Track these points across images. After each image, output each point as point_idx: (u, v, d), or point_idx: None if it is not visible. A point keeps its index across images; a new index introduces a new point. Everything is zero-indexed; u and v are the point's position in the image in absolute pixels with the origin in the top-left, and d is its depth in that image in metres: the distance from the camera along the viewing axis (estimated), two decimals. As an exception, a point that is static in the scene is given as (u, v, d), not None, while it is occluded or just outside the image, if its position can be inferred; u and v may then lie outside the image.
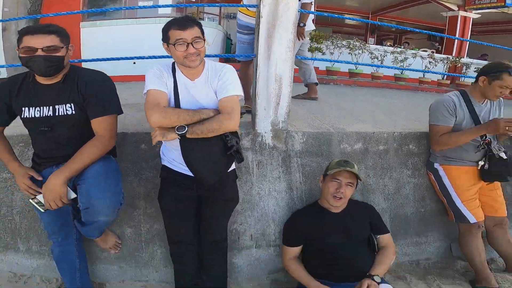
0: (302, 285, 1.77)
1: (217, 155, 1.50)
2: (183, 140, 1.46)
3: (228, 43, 9.19)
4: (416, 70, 4.60)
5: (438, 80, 6.96)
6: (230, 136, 1.51)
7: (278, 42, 1.90)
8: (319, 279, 1.73)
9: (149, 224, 1.99)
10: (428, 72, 5.36)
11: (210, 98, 1.55)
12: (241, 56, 2.66)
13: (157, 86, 1.49)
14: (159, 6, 5.40)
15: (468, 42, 8.41)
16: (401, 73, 6.59)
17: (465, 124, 2.00)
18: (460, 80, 6.89)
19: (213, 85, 1.54)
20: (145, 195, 1.97)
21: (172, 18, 1.50)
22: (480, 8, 7.78)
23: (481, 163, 2.01)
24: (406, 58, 6.45)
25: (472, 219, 2.02)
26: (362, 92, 5.04)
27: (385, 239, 1.86)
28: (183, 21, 1.44)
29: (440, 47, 11.08)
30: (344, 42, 6.32)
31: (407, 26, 13.32)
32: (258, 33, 1.91)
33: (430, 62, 6.56)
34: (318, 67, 6.40)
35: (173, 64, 1.58)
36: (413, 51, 7.03)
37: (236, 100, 1.52)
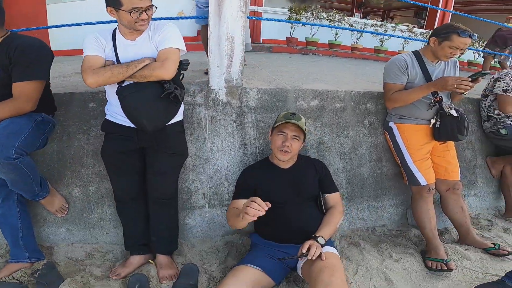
0: (255, 244, 1.78)
1: (151, 98, 1.50)
2: (120, 88, 1.52)
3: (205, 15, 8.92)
4: (396, 36, 4.54)
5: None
6: (170, 83, 1.53)
7: (228, 2, 1.84)
8: (266, 240, 1.73)
9: (98, 183, 1.95)
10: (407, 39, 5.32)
11: (154, 54, 1.58)
12: (200, 19, 2.66)
13: (92, 52, 1.52)
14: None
15: (450, 18, 8.32)
16: (381, 45, 6.55)
17: (417, 82, 1.99)
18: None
19: (154, 41, 1.58)
20: (94, 153, 1.92)
21: None
22: None
23: (432, 121, 2.02)
24: (385, 31, 6.39)
25: (422, 181, 2.03)
26: (337, 61, 5.00)
27: (333, 198, 1.83)
28: None
29: (425, 24, 11.05)
30: (324, 14, 6.23)
31: (394, 3, 13.23)
32: None
33: (409, 35, 6.52)
34: (298, 38, 6.33)
35: (115, 30, 1.61)
36: (393, 25, 6.96)
37: (173, 51, 1.55)
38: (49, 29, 5.33)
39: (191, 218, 2.06)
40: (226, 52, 1.94)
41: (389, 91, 2.04)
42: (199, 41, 3.20)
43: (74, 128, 1.93)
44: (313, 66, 3.79)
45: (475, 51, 7.26)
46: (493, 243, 2.11)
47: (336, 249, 1.72)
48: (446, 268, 1.85)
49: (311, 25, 4.52)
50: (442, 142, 2.09)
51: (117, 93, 1.52)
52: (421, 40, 4.64)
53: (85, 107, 1.95)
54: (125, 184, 1.72)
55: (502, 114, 2.48)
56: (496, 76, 2.51)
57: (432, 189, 2.05)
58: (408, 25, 8.23)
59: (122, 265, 1.78)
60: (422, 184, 2.03)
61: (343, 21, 6.20)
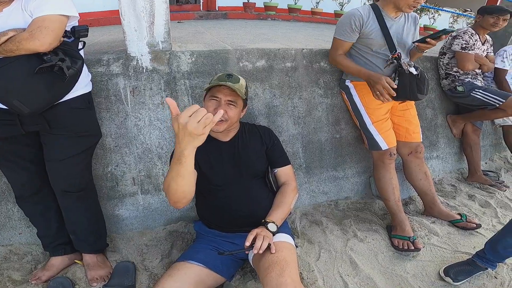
0: (199, 233, 1.53)
1: (23, 74, 1.13)
2: None
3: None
4: None
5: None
6: (54, 53, 1.17)
7: None
8: (210, 229, 1.46)
9: None
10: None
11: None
12: None
13: None
14: None
15: None
16: (341, 9, 6.27)
17: (374, 36, 1.76)
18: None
19: (28, 10, 1.20)
20: None
21: None
22: None
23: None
24: (345, -7, 6.11)
25: (383, 145, 1.84)
26: (295, 25, 4.69)
27: (285, 172, 1.54)
28: None
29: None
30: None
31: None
32: None
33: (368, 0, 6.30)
34: (256, 3, 5.94)
35: None
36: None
37: (50, 19, 1.16)
38: None
39: (122, 208, 1.74)
40: (145, 12, 1.55)
41: (336, 49, 1.85)
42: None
43: None
44: (267, 29, 3.45)
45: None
46: (460, 214, 2.00)
47: (291, 234, 1.47)
48: (413, 247, 1.71)
49: None
50: (401, 101, 1.88)
51: None
52: None
53: None
54: (18, 177, 1.37)
55: (461, 72, 2.43)
56: (453, 34, 2.43)
57: (394, 154, 1.87)
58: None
59: (43, 268, 1.52)
60: (382, 149, 1.85)
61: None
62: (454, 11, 7.70)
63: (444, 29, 1.67)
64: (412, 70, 1.71)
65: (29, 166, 1.36)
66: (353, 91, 1.90)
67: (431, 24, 7.47)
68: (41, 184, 1.41)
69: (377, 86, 1.67)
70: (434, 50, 2.39)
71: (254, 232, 1.25)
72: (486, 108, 2.37)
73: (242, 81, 1.43)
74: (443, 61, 2.50)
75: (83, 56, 1.33)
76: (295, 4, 5.90)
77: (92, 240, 1.53)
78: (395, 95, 1.68)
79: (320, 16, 6.07)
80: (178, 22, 4.57)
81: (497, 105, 2.27)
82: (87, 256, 1.53)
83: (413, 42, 1.81)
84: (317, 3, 5.94)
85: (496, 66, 2.61)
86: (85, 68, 1.38)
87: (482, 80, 2.50)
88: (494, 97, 2.28)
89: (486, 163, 2.93)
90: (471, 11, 9.58)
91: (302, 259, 1.63)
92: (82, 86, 1.36)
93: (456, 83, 2.44)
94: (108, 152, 1.65)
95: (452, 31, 1.83)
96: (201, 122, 0.90)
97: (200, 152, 1.18)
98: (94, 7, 5.14)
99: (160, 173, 1.74)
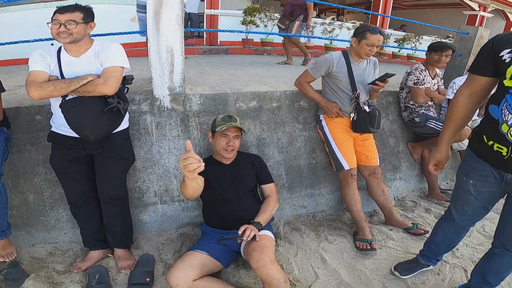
0: (204, 232, 2.01)
1: (93, 112, 1.66)
2: (62, 102, 1.66)
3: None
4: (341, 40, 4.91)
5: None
6: (113, 97, 1.70)
7: (166, 16, 2.01)
8: (212, 228, 1.96)
9: (51, 189, 2.10)
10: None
11: (99, 70, 1.71)
12: (144, 32, 2.69)
13: (37, 68, 1.63)
14: None
15: (389, 13, 9.01)
16: (330, 43, 6.95)
17: (341, 77, 2.28)
18: (383, 50, 7.45)
19: (99, 59, 1.72)
20: (44, 162, 2.04)
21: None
22: None
23: (352, 115, 2.33)
24: (333, 29, 6.80)
25: (346, 166, 2.32)
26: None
27: (268, 188, 2.05)
28: (67, 6, 1.64)
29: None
30: (276, 14, 6.51)
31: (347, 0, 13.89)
32: (147, 12, 2.01)
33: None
34: (253, 39, 6.58)
35: (60, 47, 1.73)
36: (340, 23, 7.42)
37: (116, 69, 1.70)
38: None
39: (145, 215, 2.25)
40: (167, 63, 2.12)
41: (305, 78, 2.38)
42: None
43: (23, 141, 2.04)
44: (261, 67, 4.05)
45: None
46: (413, 223, 2.45)
47: (273, 233, 1.98)
48: (370, 247, 2.14)
49: (258, 33, 4.83)
50: (360, 133, 2.39)
51: (60, 106, 1.66)
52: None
53: (32, 120, 2.06)
54: (75, 189, 1.88)
55: (416, 104, 2.87)
56: (408, 70, 2.89)
57: (354, 175, 2.35)
58: (355, 23, 8.76)
59: (83, 260, 1.95)
60: (345, 169, 2.33)
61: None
62: (435, 38, 8.23)
63: (386, 73, 2.20)
64: (366, 108, 2.27)
65: (84, 180, 1.87)
66: (324, 123, 2.42)
67: (413, 53, 8.13)
68: (90, 195, 1.91)
69: (332, 111, 2.30)
70: (393, 85, 2.95)
71: (245, 226, 1.76)
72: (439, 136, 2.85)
73: (238, 119, 2.01)
74: (402, 95, 2.95)
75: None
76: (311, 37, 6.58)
77: (123, 238, 2.01)
78: (343, 116, 2.28)
79: (311, 50, 6.73)
80: (184, 57, 5.14)
81: None
82: (118, 251, 1.97)
83: (368, 84, 2.30)
84: (308, 40, 6.62)
85: (447, 97, 2.99)
86: None
87: (434, 111, 2.91)
88: None
89: (447, 183, 3.40)
90: (452, 37, 10.31)
91: (283, 255, 2.11)
92: (126, 121, 1.91)
93: (414, 115, 2.87)
94: (137, 172, 2.19)
95: (393, 74, 2.22)
96: (186, 167, 1.32)
97: (210, 171, 1.85)
98: (127, 39, 5.72)
99: (175, 188, 2.27)
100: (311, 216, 2.61)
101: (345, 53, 2.33)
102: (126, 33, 2.89)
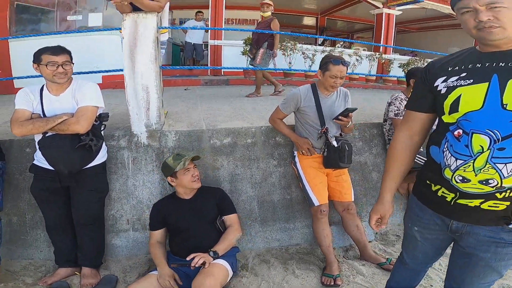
0: (169, 259, 2.06)
1: (67, 149, 1.84)
2: (41, 139, 1.87)
3: (177, 50, 9.39)
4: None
5: (365, 76, 7.49)
6: (87, 134, 1.88)
7: (140, 56, 2.19)
8: (177, 257, 2.04)
9: (33, 212, 2.30)
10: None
11: (75, 108, 1.91)
12: None
13: (20, 106, 1.86)
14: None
15: (393, 39, 9.05)
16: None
17: (309, 112, 2.28)
18: (387, 75, 7.47)
19: (75, 98, 1.92)
20: (29, 189, 2.17)
21: (43, 47, 1.88)
22: (399, 4, 8.46)
23: (322, 150, 2.35)
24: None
25: (315, 202, 2.27)
26: (285, 92, 5.38)
27: (230, 219, 2.12)
28: (57, 48, 1.87)
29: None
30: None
31: (356, 25, 14.11)
32: (123, 52, 2.21)
33: (357, 59, 7.07)
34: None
35: (43, 85, 1.95)
36: (340, 49, 7.53)
37: (88, 109, 1.89)
38: (12, 69, 5.66)
39: (117, 240, 2.38)
40: (143, 101, 2.29)
41: (277, 114, 2.42)
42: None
43: (12, 170, 2.28)
44: (251, 102, 4.09)
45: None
46: (387, 258, 2.39)
47: (233, 263, 2.03)
48: (334, 283, 2.12)
49: (254, 69, 4.89)
50: (333, 169, 2.39)
51: (38, 143, 1.87)
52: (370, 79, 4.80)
53: (22, 152, 2.29)
54: (52, 215, 2.05)
55: None
56: (389, 100, 2.78)
57: (324, 211, 2.33)
58: (358, 49, 8.86)
59: (51, 275, 2.10)
60: (315, 205, 2.28)
61: (294, 50, 6.66)
62: None
63: (347, 108, 2.19)
64: (334, 143, 2.24)
65: (61, 208, 2.04)
66: (297, 159, 2.44)
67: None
68: (66, 221, 2.07)
69: (303, 147, 2.30)
70: (378, 116, 2.89)
71: (195, 254, 1.83)
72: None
73: (189, 153, 2.13)
74: (385, 128, 2.86)
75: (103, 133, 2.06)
76: (290, 68, 6.69)
77: (92, 257, 2.15)
78: (315, 153, 2.27)
79: (312, 79, 6.81)
80: (185, 89, 5.35)
81: None
82: (85, 269, 2.10)
83: (332, 119, 2.24)
84: (310, 66, 6.72)
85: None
86: (104, 143, 2.10)
87: None
88: None
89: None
90: None
91: (245, 286, 2.14)
92: (101, 157, 2.07)
93: None
94: (112, 201, 2.34)
95: (355, 109, 2.20)
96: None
97: (171, 208, 2.04)
98: (120, 71, 6.07)
99: (148, 218, 2.34)
100: (284, 249, 2.62)
101: (313, 86, 2.32)
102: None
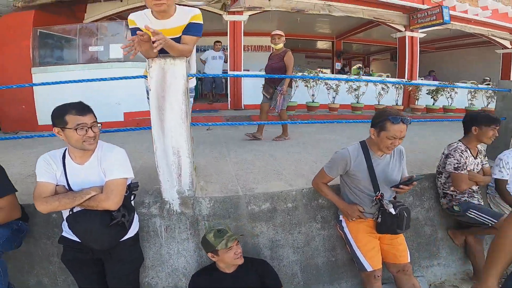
0: None
1: (98, 227, 1.64)
2: (69, 215, 1.67)
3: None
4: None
5: (392, 106, 7.20)
6: (118, 210, 1.69)
7: (170, 114, 1.95)
8: None
9: (65, 275, 2.15)
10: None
11: (102, 179, 1.72)
12: None
13: (43, 178, 1.66)
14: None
15: (418, 62, 8.72)
16: (357, 102, 6.79)
17: (360, 176, 2.04)
18: (415, 104, 7.16)
19: (102, 166, 1.72)
20: (58, 254, 2.02)
21: (65, 104, 1.66)
22: (423, 27, 8.17)
23: (375, 216, 2.10)
24: (359, 87, 6.67)
25: (368, 267, 2.06)
26: (309, 133, 5.13)
27: None
28: (81, 107, 1.64)
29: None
30: (299, 74, 6.53)
31: (372, 47, 13.95)
32: (150, 106, 1.98)
33: (382, 88, 6.81)
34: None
35: (65, 151, 1.74)
36: (366, 77, 7.32)
37: (118, 183, 1.70)
38: (36, 104, 5.64)
39: (154, 307, 2.16)
40: (174, 166, 2.07)
41: (321, 178, 2.19)
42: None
43: (39, 234, 2.14)
44: (280, 148, 3.85)
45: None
46: None
47: None
48: None
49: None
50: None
51: (66, 219, 1.68)
52: (380, 82, 4.60)
53: (49, 217, 2.12)
54: (86, 284, 1.86)
55: (458, 191, 2.48)
56: (446, 151, 2.54)
57: (378, 276, 2.08)
58: (382, 75, 8.64)
59: None
60: (368, 270, 2.07)
61: (317, 81, 6.49)
62: (471, 86, 7.81)
63: (412, 177, 1.97)
64: (392, 210, 1.99)
65: (94, 277, 1.84)
66: (344, 224, 2.21)
67: (449, 104, 7.67)
68: (100, 287, 1.87)
69: (352, 216, 2.08)
70: (430, 167, 2.67)
71: None
72: (481, 226, 2.43)
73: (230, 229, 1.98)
74: (440, 181, 2.60)
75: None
76: (313, 101, 6.50)
77: None
78: (365, 219, 2.04)
79: (336, 112, 6.59)
80: (207, 130, 5.20)
81: (490, 225, 2.33)
82: None
83: (391, 187, 2.06)
84: (334, 97, 6.52)
85: (494, 176, 2.58)
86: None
87: (479, 197, 2.54)
88: (487, 217, 2.34)
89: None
90: (490, 80, 9.69)
91: None
92: (133, 228, 1.89)
93: (453, 203, 2.51)
94: (147, 269, 2.15)
95: (421, 178, 2.00)
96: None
97: (210, 282, 1.92)
98: (143, 107, 5.95)
99: (184, 286, 2.16)
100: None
101: (363, 145, 2.08)
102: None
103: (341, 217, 2.25)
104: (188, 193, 2.16)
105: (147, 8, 1.98)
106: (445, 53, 12.91)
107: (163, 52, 1.93)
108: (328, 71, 14.28)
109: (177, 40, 1.96)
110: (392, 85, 7.00)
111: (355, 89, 6.63)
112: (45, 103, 5.55)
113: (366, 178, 2.04)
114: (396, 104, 7.20)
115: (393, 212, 1.99)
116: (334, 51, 12.53)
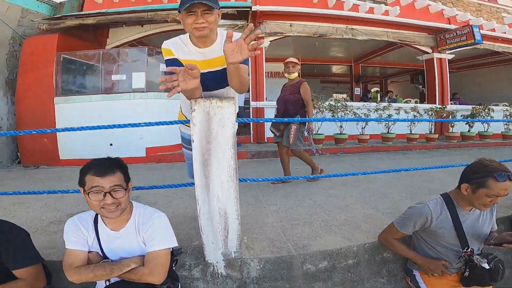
0: None
1: None
2: (108, 286, 1.45)
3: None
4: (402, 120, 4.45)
5: (426, 134, 6.81)
6: (163, 283, 1.46)
7: (216, 171, 1.70)
8: None
9: None
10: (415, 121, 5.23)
11: (142, 247, 1.49)
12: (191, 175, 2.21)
13: (73, 245, 1.44)
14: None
15: (448, 85, 8.34)
16: (388, 131, 6.44)
17: (444, 232, 1.75)
18: (449, 131, 6.76)
19: (141, 234, 1.48)
20: None
21: (92, 160, 1.41)
22: (452, 48, 7.86)
23: (461, 269, 1.80)
24: (390, 115, 6.35)
25: None
26: (344, 167, 4.82)
27: None
28: (104, 165, 1.37)
29: (424, 89, 11.14)
30: (325, 104, 6.29)
31: (389, 70, 13.72)
32: (193, 160, 1.73)
33: (414, 116, 6.47)
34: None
35: (97, 214, 1.50)
36: (397, 104, 7.00)
37: (162, 254, 1.47)
38: (58, 137, 5.52)
39: None
40: (220, 228, 1.79)
41: (391, 234, 1.93)
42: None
43: None
44: (318, 190, 3.48)
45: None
46: None
47: None
48: None
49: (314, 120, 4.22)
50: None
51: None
52: (427, 120, 4.28)
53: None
54: None
55: None
56: None
57: None
58: (410, 101, 8.30)
59: None
60: None
61: (345, 110, 6.21)
62: (506, 107, 7.27)
63: None
64: (485, 265, 1.68)
65: None
66: (419, 279, 1.88)
67: (485, 130, 7.20)
68: None
69: (435, 271, 1.77)
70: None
71: None
72: None
73: None
74: None
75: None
76: (341, 132, 6.17)
77: None
78: (451, 275, 1.76)
79: (366, 143, 6.24)
80: None
81: None
82: None
83: (489, 245, 1.78)
84: (363, 128, 6.19)
85: None
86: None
87: None
88: None
89: None
90: None
91: None
92: None
93: None
94: None
95: None
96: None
97: None
98: (166, 142, 5.75)
99: None
100: None
101: (447, 199, 1.78)
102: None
103: (414, 271, 1.93)
104: (234, 255, 1.86)
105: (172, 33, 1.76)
106: (469, 73, 12.42)
107: (205, 89, 1.68)
108: (345, 95, 14.07)
109: (222, 73, 1.65)
110: (425, 112, 6.64)
111: (386, 116, 6.29)
112: (67, 136, 5.45)
113: (452, 234, 1.76)
114: (430, 132, 6.80)
115: (487, 267, 1.69)
116: (353, 75, 12.29)
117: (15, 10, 6.16)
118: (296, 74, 3.75)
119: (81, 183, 1.36)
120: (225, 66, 1.63)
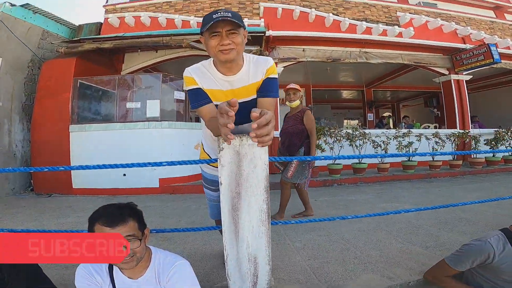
0: None
1: None
2: None
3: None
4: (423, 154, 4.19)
5: (448, 161, 6.51)
6: None
7: (247, 216, 1.52)
8: None
9: None
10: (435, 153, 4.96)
11: None
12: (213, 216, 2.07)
13: None
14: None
15: (468, 108, 8.00)
16: (409, 159, 6.16)
17: (506, 268, 1.63)
18: (473, 156, 6.46)
19: (162, 284, 1.32)
20: None
21: (101, 207, 1.29)
22: (470, 69, 7.58)
23: None
24: (411, 143, 6.09)
25: None
26: (366, 197, 4.58)
27: None
28: (113, 214, 1.23)
29: (439, 112, 10.87)
30: (343, 133, 6.07)
31: (401, 93, 13.50)
32: (221, 203, 1.54)
33: (436, 142, 6.20)
34: (318, 165, 6.10)
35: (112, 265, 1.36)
36: (417, 130, 6.75)
37: None
38: (71, 161, 5.44)
39: None
40: (249, 274, 1.59)
41: (443, 271, 1.80)
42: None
43: None
44: (343, 225, 3.16)
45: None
46: None
47: None
48: None
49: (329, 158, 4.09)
50: None
51: None
52: (450, 153, 3.98)
53: None
54: None
55: None
56: None
57: None
58: (429, 126, 8.02)
59: None
60: None
61: (364, 139, 5.98)
62: None
63: None
64: None
65: None
66: None
67: (510, 154, 6.91)
68: None
69: None
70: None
71: None
72: None
73: None
74: None
75: None
76: (360, 162, 5.91)
77: None
78: None
79: (386, 172, 5.96)
80: None
81: None
82: None
83: None
84: (382, 159, 5.91)
85: None
86: None
87: None
88: None
89: None
90: None
91: None
92: None
93: None
94: None
95: None
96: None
97: None
98: (179, 173, 5.62)
99: None
100: None
101: (509, 235, 1.68)
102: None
103: None
104: (264, 305, 1.63)
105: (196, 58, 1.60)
106: (483, 94, 12.07)
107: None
108: (357, 121, 13.80)
109: (251, 104, 1.48)
110: (447, 138, 6.38)
111: (406, 146, 6.01)
112: (80, 159, 5.38)
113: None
114: (454, 159, 6.49)
115: None
116: (365, 100, 12.12)
117: (36, 32, 6.25)
118: (298, 102, 3.47)
119: (90, 230, 1.23)
120: (254, 97, 1.48)
